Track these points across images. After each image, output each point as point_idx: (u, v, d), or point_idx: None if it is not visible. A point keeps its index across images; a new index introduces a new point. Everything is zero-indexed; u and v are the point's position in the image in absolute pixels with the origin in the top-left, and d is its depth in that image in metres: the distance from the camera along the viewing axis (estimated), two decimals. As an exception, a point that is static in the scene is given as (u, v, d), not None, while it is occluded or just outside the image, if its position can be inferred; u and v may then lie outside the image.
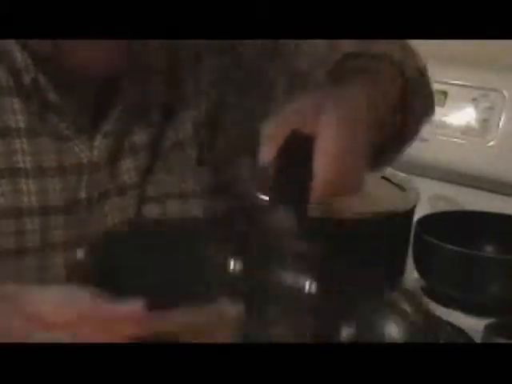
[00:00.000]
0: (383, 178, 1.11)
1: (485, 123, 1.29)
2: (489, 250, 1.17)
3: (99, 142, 0.73)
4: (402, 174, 1.16)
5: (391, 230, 1.07)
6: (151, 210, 0.78)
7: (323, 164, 0.66)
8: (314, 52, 0.83)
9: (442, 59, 1.33)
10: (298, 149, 0.68)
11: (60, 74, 0.69)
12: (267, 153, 0.67)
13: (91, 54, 0.66)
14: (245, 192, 0.85)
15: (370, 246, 1.03)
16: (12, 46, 0.67)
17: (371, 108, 0.71)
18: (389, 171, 1.13)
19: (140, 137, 0.77)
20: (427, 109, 0.84)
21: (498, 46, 1.14)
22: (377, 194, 1.08)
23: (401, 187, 1.11)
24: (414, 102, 0.80)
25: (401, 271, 1.12)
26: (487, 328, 0.89)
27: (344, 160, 0.67)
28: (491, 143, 1.28)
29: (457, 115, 1.32)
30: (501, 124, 1.28)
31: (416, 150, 1.33)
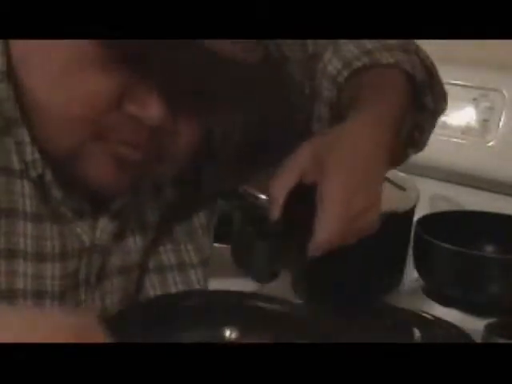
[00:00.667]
0: (383, 177, 1.11)
1: (485, 123, 1.29)
2: (489, 249, 1.16)
3: (104, 223, 0.71)
4: (402, 174, 1.16)
5: (391, 230, 1.06)
6: (151, 282, 0.77)
7: (323, 223, 0.67)
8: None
9: (442, 59, 1.33)
10: (302, 202, 0.68)
11: (68, 174, 0.68)
12: (274, 211, 0.68)
13: (107, 175, 0.66)
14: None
15: (370, 246, 1.03)
16: (24, 137, 0.66)
17: (385, 127, 0.71)
18: (389, 171, 1.13)
19: (152, 216, 0.76)
20: (439, 106, 0.84)
21: (498, 46, 1.14)
22: (377, 194, 1.08)
23: (401, 187, 1.11)
24: (425, 104, 0.80)
25: (401, 271, 1.12)
26: (487, 328, 0.89)
27: (348, 211, 0.67)
28: (491, 143, 1.28)
29: (457, 115, 1.32)
30: (501, 124, 1.28)
31: (416, 149, 1.33)
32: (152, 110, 0.63)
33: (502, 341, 0.85)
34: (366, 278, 1.04)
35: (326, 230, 0.67)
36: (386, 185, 1.11)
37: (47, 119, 0.64)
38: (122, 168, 0.65)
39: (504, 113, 1.27)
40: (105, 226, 0.71)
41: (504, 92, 1.27)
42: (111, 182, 0.66)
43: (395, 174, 1.14)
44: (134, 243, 0.74)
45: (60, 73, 0.63)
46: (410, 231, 1.11)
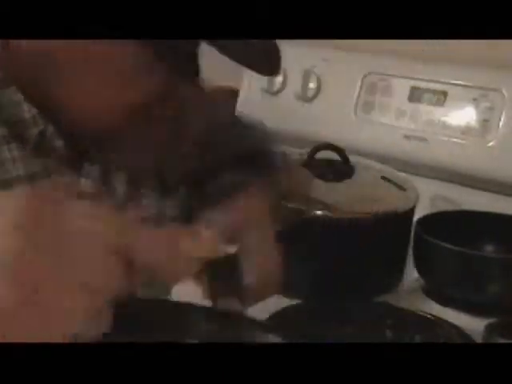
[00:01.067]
0: (383, 177, 1.11)
1: (485, 123, 1.29)
2: (489, 249, 1.16)
3: (88, 170, 0.73)
4: (402, 174, 1.16)
5: (391, 230, 1.07)
6: None
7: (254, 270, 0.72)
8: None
9: (442, 59, 1.33)
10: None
11: (68, 124, 0.69)
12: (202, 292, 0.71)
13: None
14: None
15: (370, 246, 1.03)
16: (18, 95, 0.67)
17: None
18: (389, 171, 1.13)
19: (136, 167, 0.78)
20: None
21: (498, 45, 1.14)
22: (377, 194, 1.08)
23: (401, 187, 1.11)
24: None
25: (401, 271, 1.12)
26: (487, 328, 0.89)
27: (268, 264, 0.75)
28: (491, 143, 1.28)
29: (457, 115, 1.32)
30: (501, 124, 1.28)
31: (416, 150, 1.34)
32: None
33: (502, 341, 0.85)
34: (366, 277, 1.04)
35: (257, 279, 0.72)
36: (386, 185, 1.11)
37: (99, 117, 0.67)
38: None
39: (504, 113, 1.27)
40: (89, 173, 0.73)
41: (504, 92, 1.27)
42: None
43: (395, 174, 1.14)
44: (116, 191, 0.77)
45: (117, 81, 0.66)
46: (410, 231, 1.11)
